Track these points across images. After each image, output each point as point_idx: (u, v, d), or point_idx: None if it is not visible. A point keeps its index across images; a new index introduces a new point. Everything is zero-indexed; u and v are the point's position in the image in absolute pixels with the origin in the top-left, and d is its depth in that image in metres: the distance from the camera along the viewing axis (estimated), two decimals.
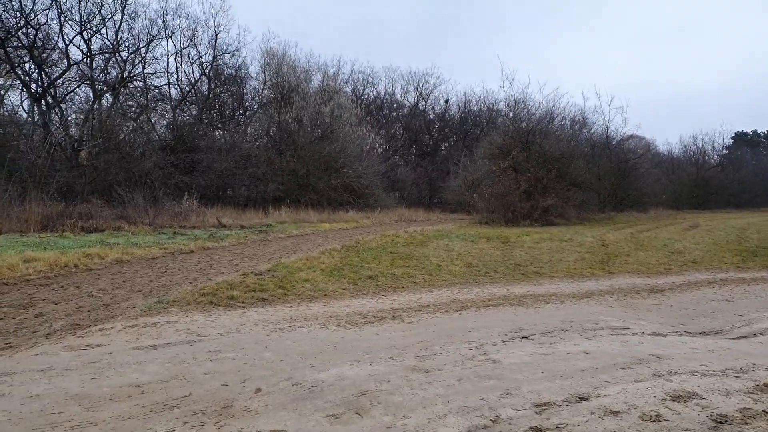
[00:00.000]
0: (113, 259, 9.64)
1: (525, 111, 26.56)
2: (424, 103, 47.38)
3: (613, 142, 33.78)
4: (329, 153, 26.87)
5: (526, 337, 5.58)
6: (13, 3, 23.70)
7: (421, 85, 45.69)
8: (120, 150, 21.82)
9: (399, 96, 46.65)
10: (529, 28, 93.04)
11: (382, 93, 45.63)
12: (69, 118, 25.22)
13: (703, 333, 6.54)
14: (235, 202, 23.46)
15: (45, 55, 25.66)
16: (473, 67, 79.32)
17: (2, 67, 24.61)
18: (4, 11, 23.84)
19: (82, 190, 18.02)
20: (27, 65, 25.30)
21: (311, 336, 5.23)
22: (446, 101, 48.53)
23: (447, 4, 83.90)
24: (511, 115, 28.27)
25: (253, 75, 32.60)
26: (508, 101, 28.49)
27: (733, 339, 6.25)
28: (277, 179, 24.90)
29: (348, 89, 41.03)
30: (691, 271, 11.39)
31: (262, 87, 31.51)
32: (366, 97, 43.80)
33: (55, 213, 13.59)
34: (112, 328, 5.13)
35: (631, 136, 40.07)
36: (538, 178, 24.13)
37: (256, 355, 4.50)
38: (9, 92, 25.46)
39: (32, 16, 24.22)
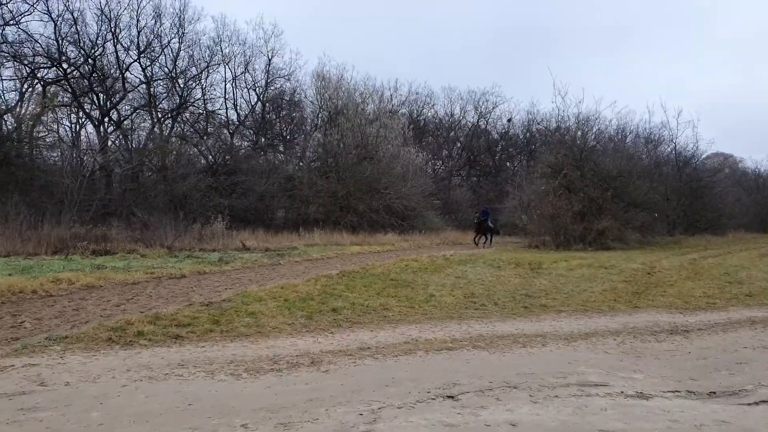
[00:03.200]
0: (83, 284, 9.27)
1: (578, 126, 24.76)
2: (485, 122, 45.98)
3: (683, 160, 30.87)
4: (372, 174, 26.23)
5: (452, 397, 4.46)
6: (78, 34, 25.11)
7: (481, 104, 44.39)
8: (163, 173, 22.30)
9: (458, 116, 45.51)
10: (604, 40, 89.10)
11: (441, 113, 44.73)
12: (114, 143, 26.11)
13: (712, 394, 5.09)
14: (275, 224, 23.25)
15: (105, 83, 26.90)
16: (538, 84, 76.63)
17: (63, 95, 26.06)
18: (68, 43, 25.27)
19: (118, 212, 18.31)
20: (90, 94, 26.63)
21: (177, 388, 4.38)
22: (509, 120, 46.86)
23: (509, 25, 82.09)
24: (566, 131, 26.52)
25: (306, 98, 32.88)
26: (560, 117, 26.76)
27: (749, 404, 4.79)
28: (318, 201, 24.53)
29: (404, 110, 40.60)
30: (740, 306, 9.58)
31: (317, 110, 31.63)
32: (423, 117, 43.11)
33: (68, 236, 13.67)
34: None
35: (714, 154, 36.81)
36: (593, 198, 22.23)
37: (78, 415, 3.70)
38: (69, 117, 26.92)
39: (93, 46, 25.47)
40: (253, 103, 31.58)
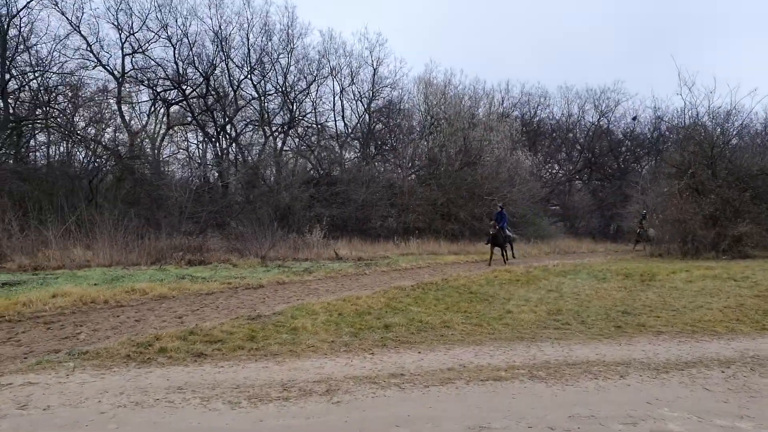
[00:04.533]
0: (156, 294, 9.40)
1: (713, 120, 21.74)
2: (606, 121, 42.61)
3: None
4: (474, 180, 25.09)
5: None
6: (196, 57, 26.86)
7: (601, 102, 41.19)
8: (270, 185, 23.02)
9: (577, 116, 42.61)
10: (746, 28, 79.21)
11: (558, 114, 42.20)
12: (228, 158, 27.41)
13: None
14: (373, 233, 22.99)
15: (220, 101, 28.48)
16: (665, 78, 69.73)
17: (183, 115, 28.01)
18: (187, 65, 27.11)
19: (223, 224, 19.05)
20: (206, 113, 28.34)
21: (156, 419, 3.93)
22: (634, 118, 42.93)
23: (633, 16, 75.76)
24: (697, 125, 23.46)
25: (412, 105, 32.55)
26: (689, 111, 23.77)
27: None
28: (418, 209, 23.91)
29: (516, 112, 38.83)
30: None
31: (422, 117, 31.20)
32: (537, 119, 40.93)
33: (166, 246, 14.27)
34: None
35: None
36: (727, 200, 19.30)
37: None
38: (186, 135, 28.87)
39: (209, 67, 27.05)
40: (360, 114, 31.89)
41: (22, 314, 7.50)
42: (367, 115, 31.55)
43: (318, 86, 30.16)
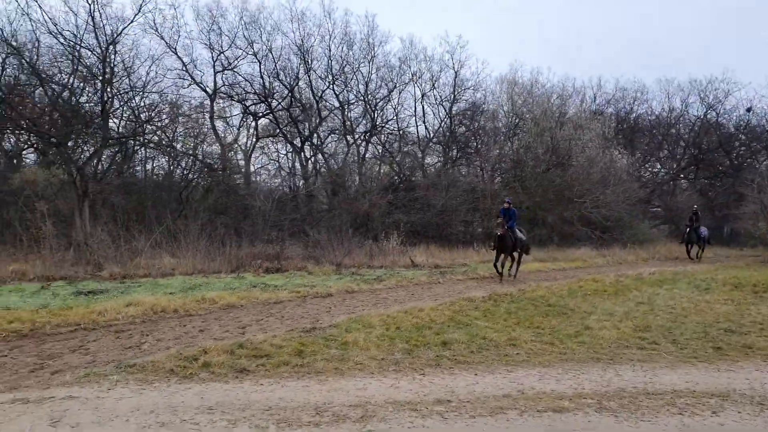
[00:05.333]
0: (225, 304, 9.51)
1: None
2: (715, 114, 39.04)
3: None
4: (562, 182, 23.75)
5: None
6: (281, 70, 27.68)
7: (708, 94, 37.79)
8: (348, 192, 23.13)
9: (680, 110, 39.37)
10: None
11: (657, 109, 39.24)
12: (313, 168, 27.89)
13: None
14: (453, 239, 22.37)
15: (304, 112, 29.15)
16: None
17: (270, 127, 28.94)
18: (272, 79, 28.00)
19: (302, 232, 19.32)
20: (291, 124, 29.11)
21: None
22: (748, 109, 38.99)
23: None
24: None
25: (496, 107, 31.59)
26: None
27: None
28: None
29: (610, 109, 36.54)
30: None
31: (507, 118, 30.22)
32: (633, 115, 38.27)
33: (246, 255, 14.60)
34: None
35: None
36: None
37: None
38: (276, 146, 29.77)
39: (293, 79, 27.77)
40: (441, 118, 31.42)
41: (97, 323, 7.78)
42: (448, 118, 31.01)
43: (399, 92, 30.09)
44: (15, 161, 19.84)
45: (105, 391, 4.78)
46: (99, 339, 7.00)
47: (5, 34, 17.28)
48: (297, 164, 29.46)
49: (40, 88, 18.15)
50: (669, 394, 5.00)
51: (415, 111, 30.91)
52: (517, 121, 28.58)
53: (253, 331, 7.43)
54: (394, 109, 30.43)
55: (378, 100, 29.77)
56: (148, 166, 24.36)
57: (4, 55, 18.02)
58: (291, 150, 29.67)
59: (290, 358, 5.82)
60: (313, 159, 29.45)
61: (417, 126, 31.24)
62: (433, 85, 30.40)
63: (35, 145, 20.09)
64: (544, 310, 9.01)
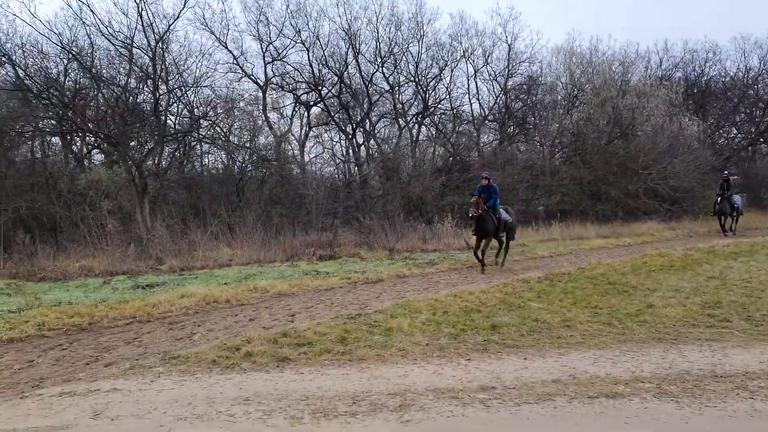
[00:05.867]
0: (276, 292, 9.56)
1: None
2: None
3: None
4: (626, 154, 22.55)
5: None
6: (329, 57, 27.70)
7: None
8: (400, 176, 22.92)
9: (758, 69, 36.39)
10: None
11: (732, 70, 36.47)
12: (364, 153, 27.82)
13: None
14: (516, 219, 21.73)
15: (354, 97, 29.08)
16: None
17: (321, 116, 29.06)
18: (321, 66, 28.06)
19: (355, 218, 19.33)
20: (341, 111, 29.13)
21: None
22: None
23: None
24: None
25: (553, 79, 30.39)
26: None
27: None
28: (561, 190, 22.14)
29: (678, 73, 34.34)
30: None
31: (565, 90, 29.03)
32: (705, 78, 35.79)
33: (300, 243, 14.72)
34: (40, 394, 4.65)
35: None
36: None
37: None
38: (330, 133, 29.90)
39: (342, 65, 27.70)
40: (496, 94, 30.57)
41: (151, 315, 7.98)
42: (504, 94, 30.10)
43: (451, 71, 29.42)
44: (83, 162, 20.82)
45: (148, 383, 4.83)
46: (153, 331, 7.17)
47: (65, 41, 18.07)
48: (350, 151, 29.59)
49: (99, 90, 18.86)
50: (740, 376, 4.54)
51: (468, 89, 30.19)
52: (576, 92, 27.36)
53: (302, 319, 7.41)
54: (446, 88, 29.82)
55: (429, 80, 29.25)
56: (206, 161, 25.03)
57: (66, 62, 18.89)
58: (343, 137, 29.77)
59: (333, 346, 5.72)
60: (365, 145, 29.41)
61: (471, 104, 30.57)
62: (486, 60, 29.56)
63: (100, 146, 21.02)
64: (604, 289, 8.52)
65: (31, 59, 18.50)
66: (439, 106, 29.96)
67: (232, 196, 20.37)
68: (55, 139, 20.57)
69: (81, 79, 19.35)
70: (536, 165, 23.45)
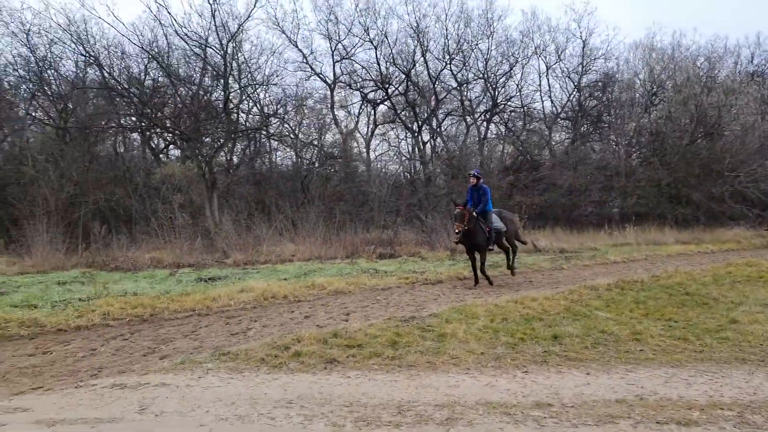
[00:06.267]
0: (333, 289, 9.52)
1: None
2: None
3: None
4: (710, 154, 21.02)
5: None
6: (396, 55, 27.58)
7: None
8: (465, 175, 22.45)
9: None
10: None
11: None
12: (430, 151, 27.50)
13: None
14: (583, 221, 20.83)
15: (420, 95, 28.81)
16: None
17: (387, 114, 28.98)
18: (389, 65, 27.97)
19: (416, 216, 19.11)
20: (408, 109, 28.94)
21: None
22: None
23: None
24: None
25: (631, 76, 28.92)
26: None
27: None
28: (637, 192, 20.95)
29: None
30: None
31: (644, 87, 27.58)
32: None
33: (360, 241, 14.67)
34: (94, 384, 4.74)
35: None
36: None
37: None
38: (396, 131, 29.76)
39: (409, 63, 27.52)
40: (569, 91, 29.45)
41: (210, 309, 8.12)
42: (577, 91, 28.95)
43: (522, 67, 28.66)
44: (159, 158, 21.78)
45: (196, 379, 4.83)
46: (210, 325, 7.27)
47: (145, 42, 18.94)
48: (415, 149, 29.34)
49: (175, 89, 19.65)
50: None
51: (539, 86, 29.31)
52: (655, 89, 25.92)
53: (357, 318, 7.30)
54: (517, 86, 29.07)
55: (498, 77, 28.61)
56: (274, 158, 25.55)
57: (146, 61, 19.80)
58: (409, 135, 29.58)
59: (383, 349, 5.54)
60: (431, 142, 29.09)
61: (542, 101, 29.68)
62: (559, 56, 28.58)
63: (175, 142, 21.93)
64: (680, 300, 7.87)
65: (115, 60, 19.57)
66: (509, 103, 29.28)
67: (297, 193, 20.67)
68: (135, 135, 21.68)
69: (159, 78, 20.24)
70: (611, 165, 22.33)
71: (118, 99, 19.24)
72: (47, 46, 18.95)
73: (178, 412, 4.07)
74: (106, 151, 20.90)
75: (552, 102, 29.67)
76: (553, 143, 28.84)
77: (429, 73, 27.78)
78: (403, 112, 28.35)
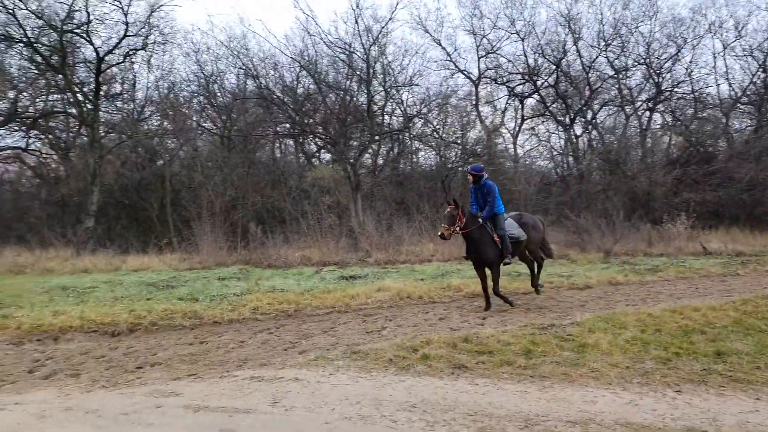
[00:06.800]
0: (470, 292, 9.33)
1: None
2: None
3: None
4: None
5: None
6: (545, 45, 26.38)
7: None
8: (623, 170, 20.77)
9: None
10: None
11: None
12: (583, 145, 25.86)
13: None
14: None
15: (572, 85, 27.22)
16: None
17: (536, 107, 27.81)
18: (537, 56, 26.80)
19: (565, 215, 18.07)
20: (558, 101, 27.51)
21: None
22: None
23: None
24: None
25: None
26: None
27: None
28: None
29: None
30: None
31: None
32: None
33: None
34: (236, 375, 5.05)
35: None
36: None
37: None
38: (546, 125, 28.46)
39: (560, 53, 26.13)
40: (752, 72, 25.87)
41: (349, 306, 8.39)
42: (762, 71, 25.30)
43: (692, 48, 25.77)
44: (312, 161, 23.20)
45: (326, 376, 4.96)
46: (348, 322, 7.51)
47: (295, 52, 20.31)
48: (567, 143, 27.78)
49: (324, 96, 20.76)
50: None
51: (714, 67, 26.13)
52: None
53: (492, 323, 7.07)
54: (686, 69, 26.20)
55: (663, 62, 26.05)
56: (416, 158, 25.82)
57: (297, 70, 21.23)
58: (560, 128, 28.09)
59: (515, 358, 5.24)
60: (584, 136, 27.35)
61: (717, 85, 26.42)
62: (739, 33, 25.29)
63: (325, 146, 23.19)
64: None
65: (270, 71, 21.27)
66: (676, 89, 26.51)
67: (437, 192, 20.67)
68: (290, 141, 23.33)
69: (310, 86, 21.55)
70: None
71: (274, 108, 20.82)
72: (213, 62, 21.32)
73: (306, 408, 4.19)
74: (265, 156, 22.73)
75: (730, 85, 26.33)
76: (731, 132, 25.56)
77: (582, 62, 26.14)
78: (553, 105, 27.05)
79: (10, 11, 17.65)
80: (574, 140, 26.48)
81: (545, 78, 26.78)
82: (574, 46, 26.03)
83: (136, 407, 4.26)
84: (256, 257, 13.27)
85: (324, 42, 19.90)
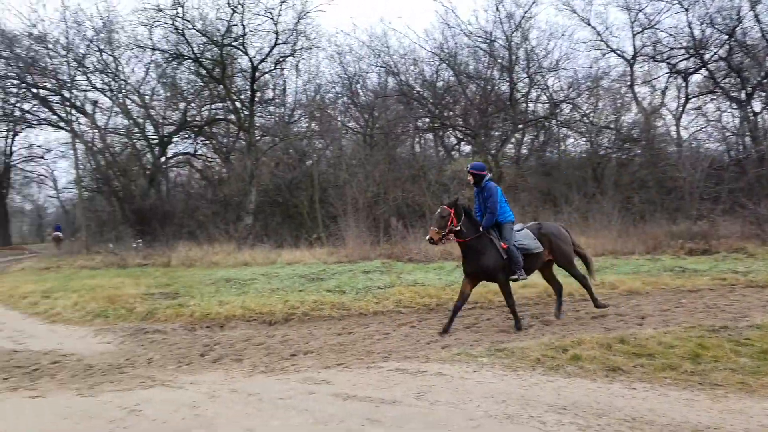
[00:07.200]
0: (625, 289, 8.69)
1: None
2: None
3: None
4: None
5: None
6: (713, 16, 23.59)
7: None
8: None
9: None
10: None
11: None
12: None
13: None
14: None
15: (749, 57, 24.04)
16: None
17: (706, 84, 24.91)
18: (705, 27, 24.05)
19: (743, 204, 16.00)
20: (730, 75, 24.44)
21: None
22: None
23: None
24: None
25: None
26: None
27: None
28: None
29: None
30: None
31: None
32: None
33: (664, 234, 12.99)
34: (382, 367, 5.11)
35: None
36: None
37: None
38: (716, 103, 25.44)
39: (735, 21, 23.22)
40: None
41: (492, 302, 8.19)
42: None
43: None
44: (452, 154, 23.13)
45: (470, 372, 4.88)
46: (491, 318, 7.39)
47: (434, 46, 20.34)
48: (743, 122, 24.52)
49: (464, 87, 20.56)
50: None
51: None
52: None
53: (652, 323, 6.47)
54: None
55: None
56: (563, 146, 24.54)
57: (437, 64, 21.27)
58: (734, 106, 24.86)
59: (680, 362, 4.72)
60: (765, 113, 23.97)
61: None
62: None
63: (466, 138, 22.98)
64: None
65: (410, 67, 21.57)
66: None
67: (588, 182, 19.44)
68: (429, 135, 23.45)
69: (450, 78, 21.49)
70: None
71: (413, 103, 21.06)
72: (356, 62, 22.17)
73: (450, 403, 4.15)
74: (405, 152, 23.09)
75: None
76: None
77: (762, 29, 22.86)
78: (725, 80, 24.02)
79: (180, 32, 19.88)
80: (752, 118, 23.32)
81: (714, 50, 23.87)
82: (752, 11, 22.87)
83: (291, 393, 4.53)
84: (397, 251, 13.52)
85: (464, 33, 19.72)
